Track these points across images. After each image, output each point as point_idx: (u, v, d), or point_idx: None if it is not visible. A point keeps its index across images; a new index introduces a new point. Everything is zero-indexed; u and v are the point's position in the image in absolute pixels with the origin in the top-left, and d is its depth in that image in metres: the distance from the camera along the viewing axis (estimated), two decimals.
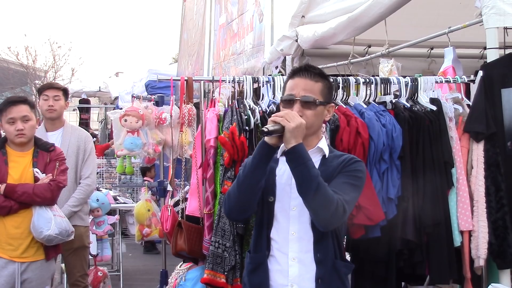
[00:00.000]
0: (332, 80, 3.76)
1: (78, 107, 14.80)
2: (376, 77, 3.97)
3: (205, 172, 3.65)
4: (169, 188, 4.22)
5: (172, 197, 4.45)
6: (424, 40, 4.52)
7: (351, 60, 5.19)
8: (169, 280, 4.17)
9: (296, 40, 5.25)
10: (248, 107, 3.68)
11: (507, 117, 3.56)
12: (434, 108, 3.69)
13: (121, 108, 4.83)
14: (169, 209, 4.01)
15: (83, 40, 52.41)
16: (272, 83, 3.79)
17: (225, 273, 3.46)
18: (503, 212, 3.55)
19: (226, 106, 3.75)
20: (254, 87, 3.83)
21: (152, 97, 5.27)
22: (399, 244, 3.54)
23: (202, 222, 3.73)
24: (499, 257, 3.56)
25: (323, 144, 2.65)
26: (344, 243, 3.73)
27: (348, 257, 3.84)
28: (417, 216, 3.54)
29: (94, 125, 16.29)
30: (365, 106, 3.71)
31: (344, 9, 4.59)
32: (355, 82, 3.82)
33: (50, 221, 3.96)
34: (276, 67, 5.53)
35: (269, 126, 2.43)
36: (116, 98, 12.93)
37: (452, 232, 3.60)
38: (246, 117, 3.61)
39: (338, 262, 2.59)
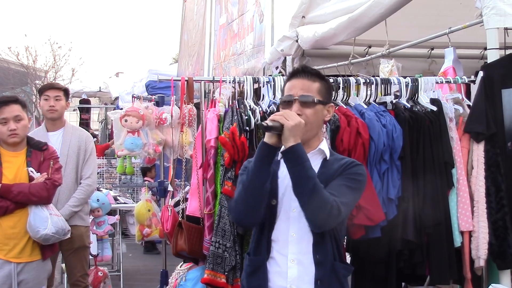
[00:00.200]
0: (332, 81, 3.78)
1: (78, 107, 14.80)
2: (376, 77, 3.97)
3: (206, 173, 3.66)
4: (170, 188, 4.22)
5: (172, 197, 4.45)
6: (425, 41, 4.51)
7: (352, 61, 5.19)
8: (169, 280, 4.17)
9: (297, 41, 5.26)
10: (248, 108, 3.68)
11: (507, 117, 3.56)
12: (435, 108, 3.69)
13: (121, 108, 4.83)
14: (169, 209, 4.01)
15: (84, 40, 52.41)
16: (272, 83, 3.79)
17: (226, 273, 3.47)
18: (503, 212, 3.55)
19: (227, 107, 3.75)
20: (254, 88, 3.83)
21: (153, 97, 5.27)
22: (399, 244, 3.54)
23: (203, 222, 3.73)
24: (499, 257, 3.56)
25: (324, 146, 2.65)
26: (345, 243, 3.74)
27: (348, 257, 3.85)
28: (417, 216, 3.54)
29: (95, 125, 16.29)
30: (365, 106, 3.71)
31: (344, 9, 4.60)
32: (355, 83, 3.82)
33: (46, 220, 3.96)
34: (277, 68, 5.54)
35: (269, 121, 2.44)
36: (117, 98, 12.93)
37: (452, 233, 3.60)
38: (246, 117, 3.61)
39: (337, 264, 2.59)
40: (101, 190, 6.32)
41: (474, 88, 3.81)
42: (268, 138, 2.46)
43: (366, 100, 3.81)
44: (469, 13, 3.89)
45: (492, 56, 3.59)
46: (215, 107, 3.75)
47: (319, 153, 2.63)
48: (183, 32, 9.54)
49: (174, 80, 3.99)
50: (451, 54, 4.28)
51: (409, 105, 3.74)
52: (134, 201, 7.74)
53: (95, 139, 9.09)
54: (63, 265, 5.39)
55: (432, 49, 5.53)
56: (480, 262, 3.57)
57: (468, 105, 3.83)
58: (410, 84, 3.82)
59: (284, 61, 5.52)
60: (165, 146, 4.70)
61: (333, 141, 3.48)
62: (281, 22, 5.66)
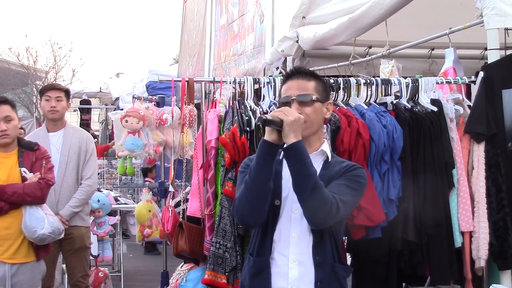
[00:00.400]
0: (332, 81, 3.78)
1: (79, 108, 14.81)
2: (377, 78, 3.97)
3: (206, 173, 3.66)
4: (171, 189, 4.21)
5: (173, 197, 4.45)
6: (425, 41, 4.52)
7: (352, 61, 5.19)
8: (170, 280, 4.17)
9: (297, 41, 5.26)
10: (249, 108, 3.68)
11: (507, 118, 3.56)
12: (435, 109, 3.69)
13: (122, 109, 4.83)
14: (170, 210, 4.01)
15: (84, 41, 52.49)
16: (273, 84, 3.79)
17: (226, 273, 3.46)
18: (503, 213, 3.55)
19: (227, 107, 3.75)
20: (255, 88, 3.83)
21: (153, 98, 5.28)
22: (400, 244, 3.54)
23: (203, 223, 3.73)
24: (500, 258, 3.56)
25: (326, 147, 2.66)
26: (345, 244, 3.74)
27: (349, 258, 3.85)
28: (417, 217, 3.54)
29: (95, 125, 16.30)
30: (366, 107, 3.71)
31: (344, 10, 4.60)
32: (355, 83, 3.82)
33: (43, 220, 3.95)
34: (277, 68, 5.54)
35: (268, 116, 2.44)
36: (117, 99, 12.93)
37: (452, 233, 3.60)
38: (247, 118, 3.61)
39: (337, 265, 2.58)
40: (102, 191, 6.32)
41: (474, 89, 3.81)
42: (268, 135, 2.45)
43: (367, 100, 3.81)
44: (470, 14, 3.89)
45: (493, 56, 3.59)
46: (215, 107, 3.75)
47: (321, 154, 2.64)
48: (183, 32, 9.55)
49: (174, 80, 3.99)
50: (452, 55, 4.28)
51: (409, 106, 3.74)
52: (134, 201, 7.74)
53: (95, 140, 9.11)
54: (64, 265, 5.39)
55: (433, 49, 5.53)
56: (481, 262, 3.57)
57: (469, 106, 3.83)
58: (410, 84, 3.82)
59: (285, 61, 5.52)
60: (165, 147, 4.69)
61: (333, 142, 3.48)
62: (282, 23, 5.66)
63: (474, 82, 3.85)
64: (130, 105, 4.61)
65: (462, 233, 3.61)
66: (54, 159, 4.75)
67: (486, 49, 3.77)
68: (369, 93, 3.83)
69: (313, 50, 5.34)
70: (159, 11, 62.91)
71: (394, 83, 3.85)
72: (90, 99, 15.29)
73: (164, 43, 54.51)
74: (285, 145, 2.48)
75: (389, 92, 3.85)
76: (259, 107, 3.71)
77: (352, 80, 3.83)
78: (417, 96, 3.82)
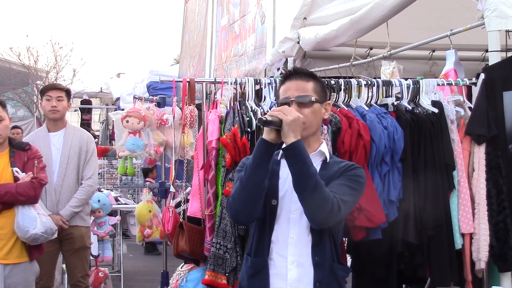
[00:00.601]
0: (333, 82, 3.79)
1: (79, 108, 14.81)
2: (377, 79, 3.98)
3: (207, 174, 3.66)
4: (172, 189, 4.21)
5: (173, 198, 4.45)
6: (426, 43, 4.52)
7: (353, 62, 5.19)
8: (170, 281, 4.17)
9: (298, 42, 5.26)
10: (250, 109, 3.68)
11: (508, 120, 3.56)
12: (436, 110, 3.69)
13: (122, 109, 4.83)
14: (170, 210, 4.01)
15: (85, 41, 52.53)
16: (273, 84, 3.79)
17: (226, 274, 3.47)
18: (504, 215, 3.55)
19: (228, 108, 3.75)
20: (256, 89, 3.84)
21: (154, 98, 5.28)
22: (400, 246, 3.54)
23: (204, 224, 3.73)
24: (500, 260, 3.56)
25: (325, 148, 2.66)
26: (345, 245, 3.75)
27: (349, 259, 3.85)
28: (418, 218, 3.54)
29: (96, 126, 16.31)
30: (366, 108, 3.71)
31: (346, 11, 4.60)
32: (356, 84, 3.82)
33: (35, 220, 3.94)
34: (278, 69, 5.53)
35: (267, 116, 2.43)
36: (118, 99, 12.93)
37: (453, 235, 3.60)
38: (248, 118, 3.61)
39: (336, 266, 2.58)
40: (102, 191, 6.32)
41: (475, 91, 3.81)
42: (266, 134, 2.44)
43: (368, 102, 3.81)
44: (471, 15, 3.89)
45: (494, 58, 3.59)
46: (216, 108, 3.75)
47: (319, 155, 2.63)
48: (184, 33, 9.55)
49: (175, 81, 3.99)
50: (453, 56, 4.28)
51: (410, 107, 3.74)
52: (135, 202, 7.74)
53: (95, 140, 9.12)
54: (64, 265, 5.39)
55: (434, 51, 5.53)
56: (481, 264, 3.56)
57: (470, 107, 3.83)
58: (411, 86, 3.82)
59: (286, 62, 5.52)
60: (166, 147, 4.69)
61: (334, 143, 3.48)
62: (283, 24, 5.66)
63: (475, 84, 3.84)
64: (131, 105, 4.61)
65: (463, 235, 3.61)
66: (55, 159, 4.77)
67: (487, 51, 3.77)
68: (370, 94, 3.83)
69: (314, 51, 5.34)
70: (160, 11, 62.97)
71: (395, 84, 3.85)
72: (90, 99, 15.28)
73: (165, 43, 54.61)
74: (283, 145, 2.48)
75: (390, 94, 3.85)
76: (260, 108, 3.71)
77: (353, 81, 3.83)
78: (418, 97, 3.82)
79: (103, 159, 9.30)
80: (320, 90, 2.65)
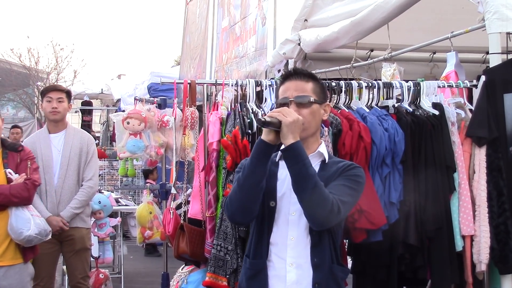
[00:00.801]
0: (334, 84, 3.79)
1: (80, 109, 14.82)
2: (378, 81, 3.97)
3: (208, 175, 3.66)
4: (172, 191, 4.21)
5: (174, 199, 4.45)
6: (427, 45, 4.52)
7: (354, 64, 5.19)
8: (170, 282, 4.17)
9: (299, 44, 5.26)
10: (250, 111, 3.68)
11: (509, 122, 3.56)
12: (437, 112, 3.70)
13: (123, 111, 4.83)
14: (171, 211, 4.01)
15: (86, 42, 52.51)
16: (274, 86, 3.79)
17: (227, 276, 3.47)
18: (505, 217, 3.55)
19: (229, 110, 3.75)
20: (256, 91, 3.84)
21: (155, 100, 5.28)
22: (401, 248, 3.54)
23: (204, 225, 3.73)
24: (501, 262, 3.56)
25: (323, 149, 2.65)
26: (346, 247, 3.74)
27: (350, 261, 3.85)
28: (419, 220, 3.54)
29: (96, 127, 16.31)
30: (367, 110, 3.71)
31: (346, 13, 4.60)
32: (357, 86, 3.82)
33: (29, 221, 3.93)
34: (279, 71, 5.54)
35: (266, 117, 2.43)
36: (118, 100, 12.94)
37: (453, 237, 3.59)
38: (248, 120, 3.62)
39: (335, 267, 2.58)
40: (103, 192, 6.32)
41: (476, 93, 3.81)
42: (265, 135, 2.44)
43: (368, 103, 3.81)
44: (471, 18, 3.89)
45: (494, 60, 3.59)
46: (217, 110, 3.76)
47: (318, 155, 2.63)
48: (185, 34, 9.56)
49: (176, 82, 4.00)
50: (453, 58, 4.28)
51: (411, 109, 3.74)
52: (135, 203, 7.75)
53: (96, 141, 9.12)
54: (64, 267, 5.39)
55: (434, 53, 5.53)
56: (482, 266, 3.56)
57: (470, 110, 3.83)
58: (412, 88, 3.82)
59: (286, 64, 5.52)
60: (167, 149, 4.70)
61: (335, 145, 3.49)
62: (284, 25, 5.67)
63: (475, 86, 3.85)
64: (132, 107, 4.62)
65: (463, 237, 3.61)
66: (55, 161, 4.77)
67: (487, 53, 3.77)
68: (370, 96, 3.83)
69: (315, 53, 5.34)
70: (161, 12, 63.02)
71: (396, 86, 3.85)
72: (91, 100, 15.28)
73: (165, 45, 54.63)
74: (282, 146, 2.48)
75: (390, 96, 3.85)
76: (261, 109, 3.71)
77: (354, 83, 3.83)
78: (418, 99, 3.82)
79: (104, 160, 9.31)
80: (319, 91, 2.65)
